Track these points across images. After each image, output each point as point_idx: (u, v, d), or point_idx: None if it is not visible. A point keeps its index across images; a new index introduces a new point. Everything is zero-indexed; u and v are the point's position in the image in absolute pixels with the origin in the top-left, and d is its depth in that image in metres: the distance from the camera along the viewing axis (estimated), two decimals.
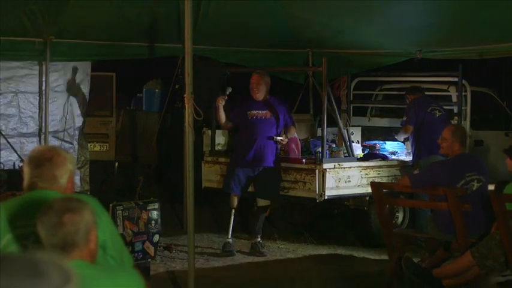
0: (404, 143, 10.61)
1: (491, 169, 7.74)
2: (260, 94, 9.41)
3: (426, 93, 10.71)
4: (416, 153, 9.91)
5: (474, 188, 7.20)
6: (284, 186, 9.53)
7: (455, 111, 10.72)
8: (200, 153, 10.16)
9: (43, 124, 10.07)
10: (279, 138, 9.32)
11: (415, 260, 7.59)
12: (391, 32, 10.04)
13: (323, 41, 10.85)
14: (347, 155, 9.66)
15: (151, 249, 7.95)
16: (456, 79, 10.63)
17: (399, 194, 9.01)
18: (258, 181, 9.44)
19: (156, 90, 13.80)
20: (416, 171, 7.57)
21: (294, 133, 9.76)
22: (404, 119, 10.08)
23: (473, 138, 11.19)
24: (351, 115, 12.09)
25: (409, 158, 10.20)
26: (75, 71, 10.63)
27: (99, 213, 3.58)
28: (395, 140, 10.56)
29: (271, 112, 9.44)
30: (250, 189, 9.59)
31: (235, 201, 9.49)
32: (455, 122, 10.38)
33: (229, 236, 9.51)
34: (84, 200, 3.14)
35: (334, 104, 9.72)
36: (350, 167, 9.50)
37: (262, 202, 9.54)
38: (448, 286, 7.05)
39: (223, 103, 9.36)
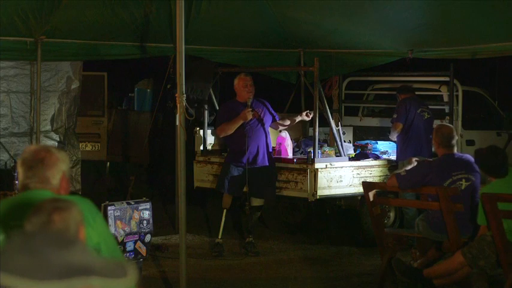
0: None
1: None
2: (252, 94, 9.43)
3: (418, 93, 10.71)
4: (400, 153, 9.91)
5: (463, 187, 7.21)
6: (276, 186, 9.54)
7: (447, 110, 10.74)
8: (192, 152, 10.16)
9: (34, 124, 10.05)
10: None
11: (406, 259, 7.59)
12: (382, 32, 10.05)
13: (315, 40, 10.85)
14: (339, 154, 9.66)
15: (143, 249, 7.92)
16: (448, 79, 10.65)
17: (386, 193, 9.01)
18: (253, 181, 9.42)
19: (148, 90, 13.79)
20: (402, 172, 7.53)
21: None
22: (395, 116, 10.07)
23: (465, 138, 11.21)
24: (343, 115, 12.11)
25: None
26: (66, 70, 10.61)
27: (93, 215, 3.59)
28: (387, 140, 10.55)
29: (257, 112, 9.47)
30: (245, 189, 9.59)
31: (228, 202, 9.48)
32: (446, 121, 10.40)
33: (220, 237, 9.50)
34: (71, 200, 3.14)
35: (326, 104, 9.73)
36: (342, 167, 9.51)
37: (256, 202, 9.53)
38: (439, 286, 7.06)
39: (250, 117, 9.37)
